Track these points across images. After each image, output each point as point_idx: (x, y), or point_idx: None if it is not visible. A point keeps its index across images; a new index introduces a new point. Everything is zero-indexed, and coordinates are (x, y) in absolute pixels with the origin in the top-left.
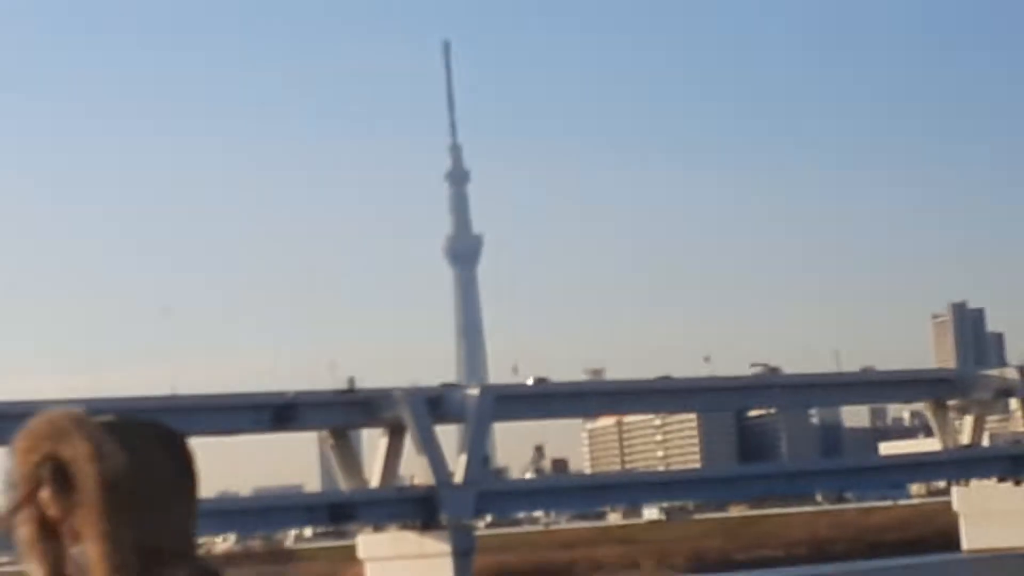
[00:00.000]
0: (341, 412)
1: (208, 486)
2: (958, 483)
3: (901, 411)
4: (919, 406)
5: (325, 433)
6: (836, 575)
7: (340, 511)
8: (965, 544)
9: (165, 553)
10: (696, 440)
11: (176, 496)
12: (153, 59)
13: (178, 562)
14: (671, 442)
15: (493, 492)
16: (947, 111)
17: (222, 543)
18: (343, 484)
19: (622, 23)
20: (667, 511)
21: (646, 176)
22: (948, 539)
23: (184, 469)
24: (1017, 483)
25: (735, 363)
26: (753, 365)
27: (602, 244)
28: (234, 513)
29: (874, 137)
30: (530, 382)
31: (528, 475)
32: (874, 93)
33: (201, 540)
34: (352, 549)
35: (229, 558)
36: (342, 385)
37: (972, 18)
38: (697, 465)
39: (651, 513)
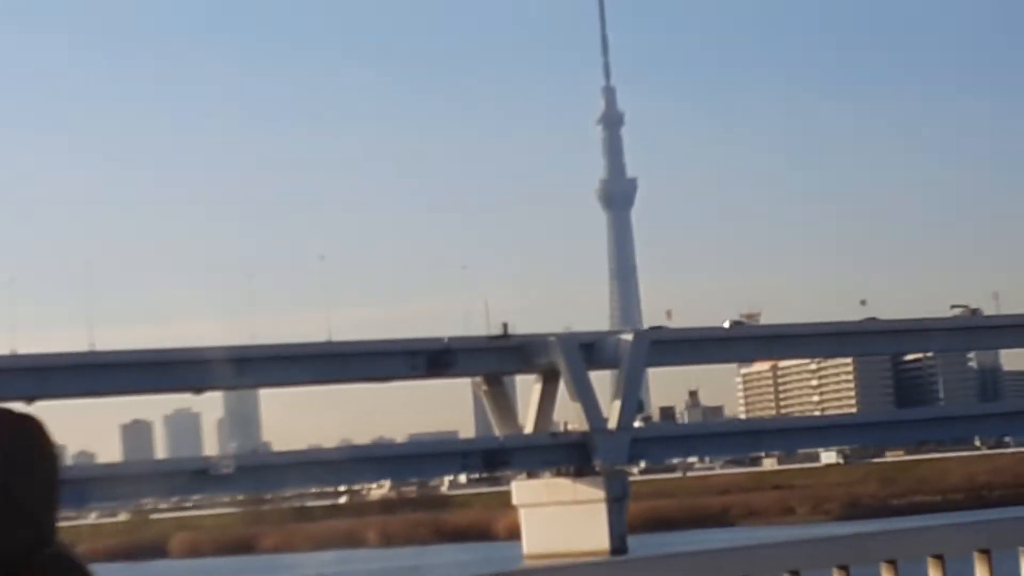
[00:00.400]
0: (495, 358)
1: (363, 432)
2: None
3: None
4: None
5: (479, 379)
6: (995, 521)
7: (494, 457)
8: None
9: (15, 541)
10: (852, 385)
11: (26, 483)
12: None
13: (30, 551)
14: (827, 387)
15: (647, 438)
16: None
17: (377, 489)
18: (497, 430)
19: None
20: (845, 455)
21: (805, 116)
22: None
23: (37, 456)
24: None
25: (892, 306)
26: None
27: (758, 186)
28: (389, 459)
29: None
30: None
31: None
32: None
33: (356, 487)
34: (507, 495)
35: (384, 504)
36: (496, 331)
37: None
38: (853, 410)
39: (829, 456)
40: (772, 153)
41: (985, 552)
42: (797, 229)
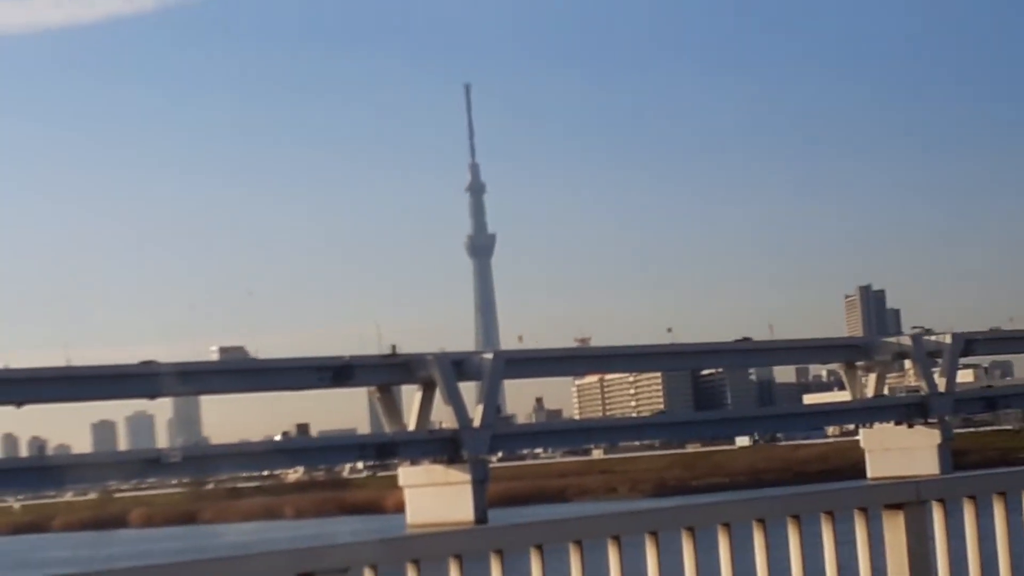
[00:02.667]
0: (386, 372)
1: (283, 430)
2: (864, 426)
3: (820, 370)
4: (835, 366)
5: (373, 388)
6: (769, 498)
7: (385, 449)
8: (869, 473)
9: None
10: (661, 393)
11: None
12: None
13: None
14: (642, 395)
15: (503, 434)
16: (850, 112)
17: (293, 474)
18: (387, 428)
19: (611, 64)
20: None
21: (631, 183)
22: (857, 469)
23: None
24: (910, 426)
25: (691, 332)
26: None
27: (593, 239)
28: (302, 451)
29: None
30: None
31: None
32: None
33: (277, 472)
34: (394, 479)
35: (298, 485)
36: (387, 351)
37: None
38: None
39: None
40: (601, 217)
41: (761, 521)
42: (620, 269)
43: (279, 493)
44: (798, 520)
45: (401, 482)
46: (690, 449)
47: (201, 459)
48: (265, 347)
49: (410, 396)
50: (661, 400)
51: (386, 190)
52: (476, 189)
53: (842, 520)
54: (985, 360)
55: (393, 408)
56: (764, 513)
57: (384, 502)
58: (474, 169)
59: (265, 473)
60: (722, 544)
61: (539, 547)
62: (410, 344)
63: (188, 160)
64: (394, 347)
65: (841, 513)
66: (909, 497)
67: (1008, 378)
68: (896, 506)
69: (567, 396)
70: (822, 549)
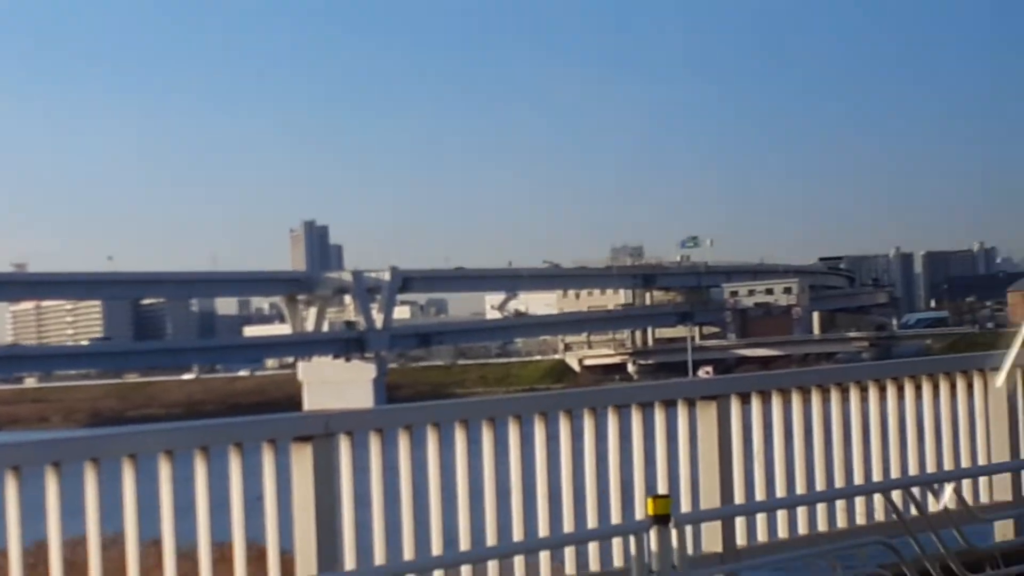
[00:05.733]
0: None
1: None
2: (303, 359)
3: (263, 303)
4: (277, 299)
5: None
6: (178, 429)
7: None
8: (306, 405)
9: None
10: (101, 322)
11: None
12: None
13: None
14: (80, 323)
15: None
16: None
17: None
18: None
19: None
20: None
21: (99, 104)
22: (294, 401)
23: None
24: (347, 360)
25: (135, 261)
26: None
27: (39, 162)
28: None
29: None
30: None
31: None
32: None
33: None
34: None
35: None
36: None
37: None
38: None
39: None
40: (49, 139)
41: (169, 452)
42: (64, 194)
43: None
44: (207, 451)
45: None
46: (128, 380)
47: None
48: None
49: None
50: (101, 329)
51: None
52: None
53: (253, 451)
54: (422, 297)
55: None
56: (173, 445)
57: None
58: None
59: None
60: (127, 475)
61: None
62: None
63: None
64: None
65: (250, 445)
66: (318, 430)
67: (443, 315)
68: (305, 438)
69: (1, 323)
70: (230, 480)
